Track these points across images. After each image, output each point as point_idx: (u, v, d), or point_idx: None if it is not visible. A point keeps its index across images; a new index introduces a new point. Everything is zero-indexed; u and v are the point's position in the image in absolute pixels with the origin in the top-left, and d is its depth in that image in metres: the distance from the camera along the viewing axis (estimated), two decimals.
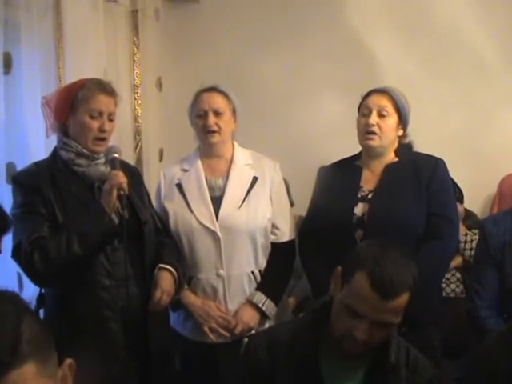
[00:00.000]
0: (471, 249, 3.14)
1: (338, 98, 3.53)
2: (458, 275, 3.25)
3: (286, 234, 2.39)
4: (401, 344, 1.61)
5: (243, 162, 2.39)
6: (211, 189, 2.34)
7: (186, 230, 2.29)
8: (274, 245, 2.37)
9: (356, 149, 2.38)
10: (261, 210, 2.32)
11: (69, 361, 0.99)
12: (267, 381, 1.58)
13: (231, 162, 2.38)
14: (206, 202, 2.31)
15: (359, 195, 2.25)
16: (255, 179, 2.35)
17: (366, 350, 1.51)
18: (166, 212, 2.33)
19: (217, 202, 2.31)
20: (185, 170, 2.39)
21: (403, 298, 1.46)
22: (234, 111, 2.37)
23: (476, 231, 3.07)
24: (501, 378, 1.39)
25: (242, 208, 2.30)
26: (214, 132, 2.31)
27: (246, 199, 2.31)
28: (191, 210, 2.30)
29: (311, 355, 1.55)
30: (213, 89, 2.36)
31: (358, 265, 1.48)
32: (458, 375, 2.18)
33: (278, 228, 2.37)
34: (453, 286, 3.23)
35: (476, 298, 2.20)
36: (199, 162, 2.38)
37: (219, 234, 2.27)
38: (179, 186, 2.36)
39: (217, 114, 2.31)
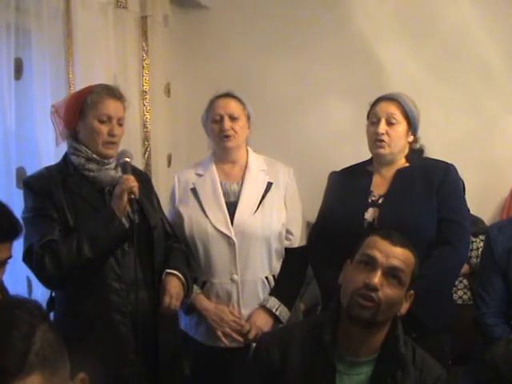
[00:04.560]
0: (477, 256, 3.13)
1: (345, 103, 3.54)
2: (466, 282, 3.24)
3: (299, 239, 2.39)
4: (408, 342, 1.64)
5: (258, 168, 2.39)
6: (226, 194, 2.34)
7: (201, 234, 2.29)
8: (288, 250, 2.37)
9: (363, 154, 2.38)
10: (275, 216, 2.32)
11: (82, 375, 0.98)
12: (276, 376, 1.61)
13: (246, 167, 2.38)
14: (221, 207, 2.31)
15: (369, 200, 2.24)
16: (270, 185, 2.36)
17: (374, 316, 1.54)
18: (180, 216, 2.33)
19: (232, 207, 2.31)
20: (199, 175, 2.39)
21: (410, 255, 1.61)
22: (248, 117, 2.38)
23: (482, 237, 3.07)
24: None
25: (257, 213, 2.30)
26: (229, 136, 2.31)
27: (261, 205, 2.31)
28: (206, 215, 2.30)
29: (325, 348, 1.58)
30: (228, 94, 2.37)
31: (367, 236, 1.66)
32: (467, 382, 2.17)
33: (291, 233, 2.37)
34: (460, 293, 3.22)
35: (482, 305, 2.19)
36: (214, 167, 2.38)
37: (234, 239, 2.27)
38: (194, 191, 2.36)
39: (232, 118, 2.32)
